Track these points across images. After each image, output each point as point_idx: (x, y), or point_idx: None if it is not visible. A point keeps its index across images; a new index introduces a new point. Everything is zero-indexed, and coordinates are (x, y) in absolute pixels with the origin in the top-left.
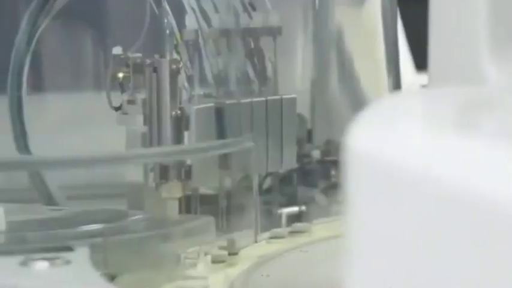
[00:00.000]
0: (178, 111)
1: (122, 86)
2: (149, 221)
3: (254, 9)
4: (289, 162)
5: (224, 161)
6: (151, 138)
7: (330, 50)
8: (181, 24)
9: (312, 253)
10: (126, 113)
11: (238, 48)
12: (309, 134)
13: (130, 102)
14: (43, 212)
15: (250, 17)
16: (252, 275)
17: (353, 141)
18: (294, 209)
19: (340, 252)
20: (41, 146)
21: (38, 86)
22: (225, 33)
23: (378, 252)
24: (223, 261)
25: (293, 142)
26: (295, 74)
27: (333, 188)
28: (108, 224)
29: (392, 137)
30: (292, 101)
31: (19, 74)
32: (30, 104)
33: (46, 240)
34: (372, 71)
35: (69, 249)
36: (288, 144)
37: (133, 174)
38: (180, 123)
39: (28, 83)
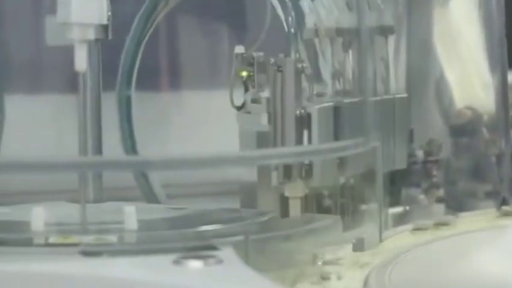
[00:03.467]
0: (302, 110)
1: (245, 85)
2: (279, 220)
3: (369, 8)
4: (401, 161)
5: (344, 159)
6: (275, 137)
7: (423, 51)
8: (300, 24)
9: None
10: (248, 112)
11: (353, 47)
12: (411, 134)
13: (254, 101)
14: (165, 211)
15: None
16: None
17: None
18: (399, 209)
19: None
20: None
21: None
22: (341, 32)
23: None
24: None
25: (405, 142)
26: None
27: (434, 187)
28: (246, 222)
29: None
30: (404, 100)
31: (129, 74)
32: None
33: (188, 239)
34: (457, 71)
35: (210, 248)
36: (400, 144)
37: (246, 172)
38: (303, 123)
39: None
